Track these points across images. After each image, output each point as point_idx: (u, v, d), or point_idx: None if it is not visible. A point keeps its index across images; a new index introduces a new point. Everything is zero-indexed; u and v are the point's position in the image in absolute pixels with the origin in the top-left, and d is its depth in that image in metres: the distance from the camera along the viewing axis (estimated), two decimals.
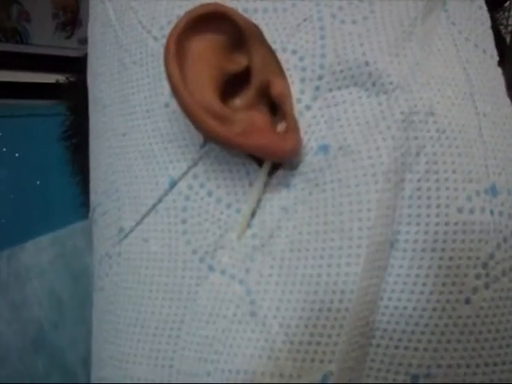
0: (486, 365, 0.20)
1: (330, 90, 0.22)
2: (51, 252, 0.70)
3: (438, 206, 0.20)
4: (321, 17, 0.22)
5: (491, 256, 0.20)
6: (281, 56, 0.22)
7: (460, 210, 0.20)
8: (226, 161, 0.22)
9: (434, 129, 0.21)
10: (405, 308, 0.20)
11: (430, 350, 0.20)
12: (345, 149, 0.21)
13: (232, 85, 0.22)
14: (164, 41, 0.21)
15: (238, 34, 0.21)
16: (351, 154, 0.21)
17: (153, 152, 0.23)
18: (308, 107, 0.22)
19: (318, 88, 0.22)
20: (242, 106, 0.21)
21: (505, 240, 0.21)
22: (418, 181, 0.20)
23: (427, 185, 0.20)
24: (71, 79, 0.35)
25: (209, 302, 0.22)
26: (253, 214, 0.22)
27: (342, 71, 0.22)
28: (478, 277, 0.20)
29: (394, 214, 0.20)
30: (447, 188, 0.20)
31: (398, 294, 0.20)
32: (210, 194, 0.22)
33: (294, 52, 0.22)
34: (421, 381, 0.20)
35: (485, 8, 0.24)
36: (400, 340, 0.20)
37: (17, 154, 0.83)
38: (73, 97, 0.34)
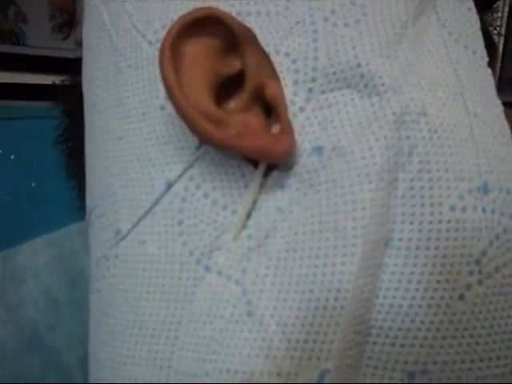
0: (481, 360, 0.21)
1: (323, 92, 0.22)
2: (47, 253, 0.70)
3: (431, 205, 0.21)
4: (313, 20, 0.22)
5: (484, 253, 0.21)
6: (274, 59, 0.22)
7: (452, 209, 0.21)
8: (222, 163, 0.22)
9: (426, 129, 0.21)
10: (400, 306, 0.20)
11: (425, 346, 0.20)
12: (338, 150, 0.21)
13: (226, 88, 0.22)
14: (159, 45, 0.21)
15: (231, 38, 0.21)
16: (345, 154, 0.21)
17: (149, 155, 0.24)
18: (301, 109, 0.22)
19: (311, 90, 0.22)
20: (236, 109, 0.22)
21: (497, 237, 0.21)
22: (411, 180, 0.21)
23: (420, 184, 0.21)
24: (67, 82, 0.35)
25: (206, 303, 0.22)
26: (248, 215, 0.22)
27: (334, 73, 0.22)
28: (471, 273, 0.21)
29: (387, 212, 0.21)
30: (440, 187, 0.21)
31: (393, 291, 0.20)
32: (205, 195, 0.23)
33: (287, 55, 0.22)
34: (417, 377, 0.20)
35: (474, 10, 0.25)
36: (396, 337, 0.20)
37: (12, 156, 0.83)
38: (68, 100, 0.34)
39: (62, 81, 0.36)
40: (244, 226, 0.22)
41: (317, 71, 0.22)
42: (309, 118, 0.22)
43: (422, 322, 0.20)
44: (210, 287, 0.22)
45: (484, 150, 0.22)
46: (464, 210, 0.21)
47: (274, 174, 0.22)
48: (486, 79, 0.24)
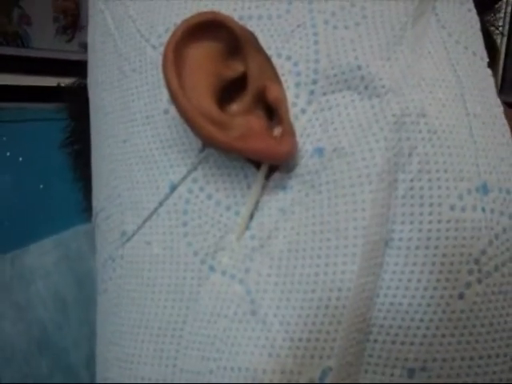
0: (481, 357, 0.21)
1: (324, 94, 0.22)
2: (55, 254, 0.70)
3: (431, 205, 0.21)
4: (314, 23, 0.23)
5: (483, 252, 0.21)
6: (276, 62, 0.23)
7: (452, 208, 0.21)
8: (225, 165, 0.23)
9: (425, 130, 0.21)
10: (400, 304, 0.21)
11: (425, 344, 0.21)
12: (339, 151, 0.21)
13: (229, 91, 0.22)
14: (162, 49, 0.21)
15: (234, 41, 0.22)
16: (345, 156, 0.21)
17: (153, 157, 0.24)
18: (303, 111, 0.22)
19: (312, 92, 0.22)
20: (239, 112, 0.22)
21: (496, 237, 0.21)
22: (411, 180, 0.21)
23: (420, 184, 0.21)
24: (73, 85, 0.36)
25: (210, 302, 0.22)
26: (251, 216, 0.22)
27: (335, 75, 0.22)
28: (470, 272, 0.21)
29: (388, 213, 0.21)
30: (439, 187, 0.21)
31: (394, 290, 0.21)
32: (209, 197, 0.23)
33: (289, 58, 0.23)
34: (417, 374, 0.21)
35: (474, 11, 0.25)
36: (396, 335, 0.21)
37: (20, 158, 0.84)
38: (75, 103, 0.34)
39: (68, 85, 0.36)
40: (247, 227, 0.22)
41: (318, 73, 0.22)
42: (310, 120, 0.22)
43: (422, 320, 0.21)
44: (214, 287, 0.22)
45: (483, 151, 0.22)
46: (463, 209, 0.21)
47: (276, 176, 0.22)
48: (486, 80, 0.24)
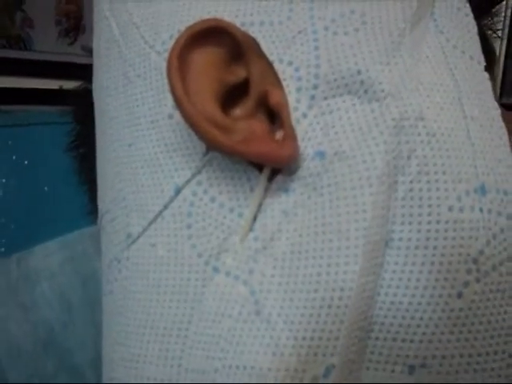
0: (479, 355, 0.21)
1: (325, 99, 0.23)
2: (60, 256, 0.71)
3: (430, 206, 0.21)
4: (315, 29, 0.23)
5: (481, 252, 0.21)
6: (277, 67, 0.23)
7: (450, 209, 0.21)
8: (228, 168, 0.23)
9: (424, 133, 0.22)
10: (401, 303, 0.21)
11: (425, 341, 0.21)
12: (340, 154, 0.22)
13: (232, 96, 0.23)
14: (166, 55, 0.22)
15: (236, 47, 0.22)
16: (346, 159, 0.22)
17: (158, 161, 0.24)
18: (304, 115, 0.23)
19: (313, 97, 0.23)
20: (242, 116, 0.22)
21: (494, 237, 0.22)
22: (410, 182, 0.21)
23: (419, 186, 0.21)
24: (78, 89, 0.36)
25: (215, 303, 0.22)
26: (254, 218, 0.23)
27: (335, 80, 0.23)
28: (469, 272, 0.21)
29: (388, 214, 0.21)
30: (438, 188, 0.21)
31: (394, 289, 0.21)
32: (213, 199, 0.23)
33: (290, 63, 0.23)
34: (417, 371, 0.21)
35: (471, 16, 0.25)
36: (397, 333, 0.21)
37: (26, 162, 0.85)
38: (80, 107, 0.35)
39: (73, 88, 0.36)
40: (250, 229, 0.23)
41: (319, 78, 0.23)
42: (311, 124, 0.23)
43: (422, 319, 0.21)
44: (218, 287, 0.23)
45: (481, 152, 0.22)
46: (462, 210, 0.21)
47: (279, 178, 0.23)
48: (483, 83, 0.24)
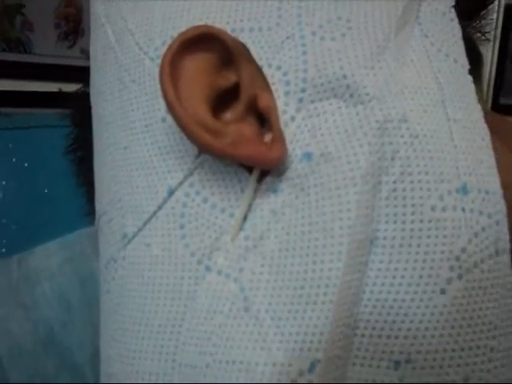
0: (462, 349, 0.22)
1: (313, 102, 0.23)
2: (60, 256, 0.71)
3: (413, 206, 0.22)
4: (302, 35, 0.24)
5: (463, 250, 0.22)
6: (267, 72, 0.24)
7: (433, 209, 0.22)
8: (219, 170, 0.24)
9: (407, 134, 0.22)
10: (386, 300, 0.22)
11: (409, 337, 0.22)
12: (326, 155, 0.22)
13: (223, 100, 0.23)
14: (159, 61, 0.22)
15: (227, 53, 0.23)
16: (332, 160, 0.22)
17: (152, 163, 0.25)
18: (292, 118, 0.24)
19: (301, 100, 0.23)
20: (232, 119, 0.23)
21: (476, 235, 0.22)
22: (394, 182, 0.22)
23: (402, 186, 0.22)
24: (76, 93, 0.37)
25: (207, 300, 0.23)
26: (245, 218, 0.24)
27: (322, 84, 0.23)
28: (451, 269, 0.22)
29: (372, 213, 0.22)
30: (421, 188, 0.22)
31: (379, 287, 0.22)
32: (205, 200, 0.24)
33: (279, 68, 0.24)
34: (402, 366, 0.22)
35: (456, 20, 0.26)
36: (382, 329, 0.22)
37: (26, 164, 0.85)
38: (78, 111, 0.35)
39: (71, 92, 0.37)
40: (241, 228, 0.23)
41: (306, 82, 0.23)
42: (299, 127, 0.23)
43: (406, 315, 0.22)
44: (210, 285, 0.23)
45: (463, 153, 0.23)
46: (444, 209, 0.22)
47: (268, 179, 0.24)
48: (467, 86, 0.25)
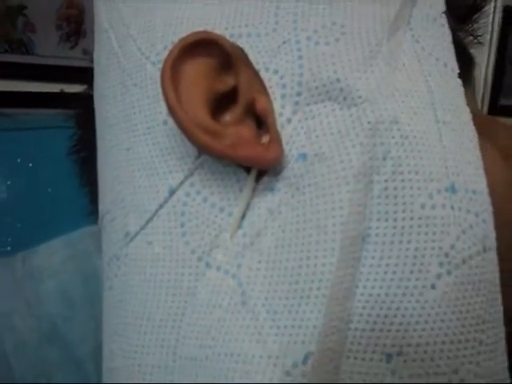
0: (452, 342, 0.23)
1: (308, 105, 0.24)
2: (63, 254, 0.72)
3: (404, 204, 0.23)
4: (298, 40, 0.25)
5: (452, 246, 0.23)
6: (264, 75, 0.25)
7: (423, 206, 0.23)
8: (219, 170, 0.25)
9: (398, 135, 0.23)
10: (378, 294, 0.22)
11: (401, 331, 0.22)
12: (320, 156, 0.23)
13: (222, 103, 0.24)
14: (161, 65, 0.23)
15: (225, 58, 0.24)
16: (325, 160, 0.23)
17: (154, 164, 0.26)
18: (289, 120, 0.24)
19: (297, 103, 0.24)
20: (231, 122, 0.24)
21: (464, 232, 0.23)
22: (385, 181, 0.23)
23: (393, 185, 0.23)
24: (80, 94, 0.37)
25: (206, 295, 0.24)
26: (243, 216, 0.24)
27: (317, 87, 0.24)
28: (441, 265, 0.23)
29: (364, 211, 0.23)
30: (411, 187, 0.23)
31: (372, 282, 0.22)
32: (205, 199, 0.25)
33: (276, 72, 0.25)
34: (394, 359, 0.23)
35: (447, 26, 0.26)
36: (375, 323, 0.22)
37: (30, 164, 0.86)
38: (81, 113, 0.36)
39: (75, 93, 0.38)
40: (239, 226, 0.24)
41: (302, 86, 0.24)
42: (295, 129, 0.24)
43: (398, 309, 0.22)
44: (210, 281, 0.24)
45: (452, 154, 0.24)
46: (433, 207, 0.23)
47: (265, 179, 0.24)
48: (456, 89, 0.26)
